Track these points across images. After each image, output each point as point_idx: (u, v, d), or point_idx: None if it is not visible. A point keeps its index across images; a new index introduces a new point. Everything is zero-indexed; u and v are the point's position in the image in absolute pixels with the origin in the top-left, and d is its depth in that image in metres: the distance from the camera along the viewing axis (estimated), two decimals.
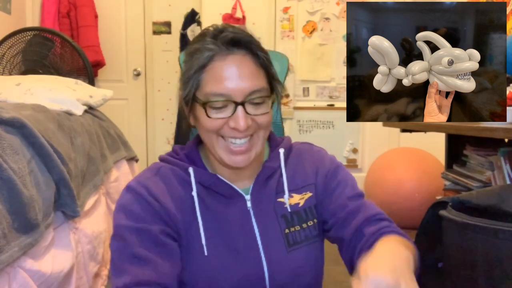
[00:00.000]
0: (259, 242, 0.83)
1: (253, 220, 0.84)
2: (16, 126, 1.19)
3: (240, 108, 0.77)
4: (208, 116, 0.78)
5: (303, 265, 0.84)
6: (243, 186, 0.87)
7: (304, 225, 0.86)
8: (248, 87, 0.77)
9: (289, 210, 0.85)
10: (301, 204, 0.87)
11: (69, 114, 1.69)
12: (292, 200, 0.87)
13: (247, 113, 0.78)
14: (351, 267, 0.82)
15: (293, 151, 0.93)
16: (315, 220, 0.87)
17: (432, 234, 1.55)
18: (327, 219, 0.87)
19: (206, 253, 0.80)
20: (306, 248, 0.85)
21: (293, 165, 0.90)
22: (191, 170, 0.84)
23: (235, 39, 0.79)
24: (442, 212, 1.40)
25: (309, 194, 0.88)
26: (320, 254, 0.89)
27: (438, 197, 1.88)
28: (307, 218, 0.87)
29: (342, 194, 0.86)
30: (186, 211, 0.82)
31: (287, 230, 0.84)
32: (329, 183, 0.88)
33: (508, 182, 1.81)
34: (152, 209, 0.79)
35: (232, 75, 0.77)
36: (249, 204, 0.85)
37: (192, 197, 0.82)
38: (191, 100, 0.81)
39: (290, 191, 0.87)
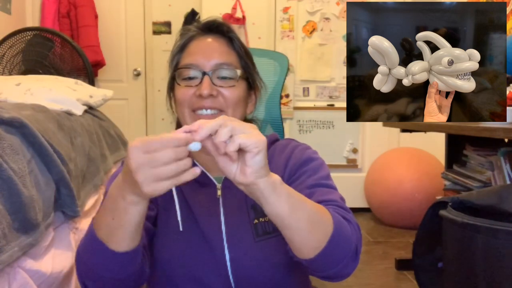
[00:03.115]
0: (223, 230, 0.85)
1: (221, 208, 0.87)
2: (16, 126, 1.19)
3: (206, 77, 0.85)
4: (178, 84, 0.88)
5: (270, 255, 0.85)
6: (219, 174, 0.90)
7: None
8: (215, 60, 0.87)
9: None
10: None
11: (69, 114, 1.69)
12: None
13: (213, 84, 0.85)
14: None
15: (273, 147, 0.95)
16: None
17: (432, 234, 1.55)
18: None
19: (181, 229, 0.84)
20: (275, 239, 0.85)
21: (268, 160, 0.91)
22: None
23: (209, 23, 0.92)
24: (442, 212, 1.40)
25: None
26: None
27: (438, 197, 1.88)
28: None
29: (302, 183, 0.85)
30: None
31: (256, 220, 0.86)
32: (294, 174, 0.88)
33: (508, 182, 1.81)
34: None
35: (203, 50, 0.88)
36: (219, 192, 0.88)
37: None
38: (171, 80, 0.91)
39: None
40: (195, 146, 0.62)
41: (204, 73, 0.85)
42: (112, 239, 0.69)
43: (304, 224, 0.68)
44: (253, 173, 0.63)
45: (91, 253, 0.73)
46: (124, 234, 0.69)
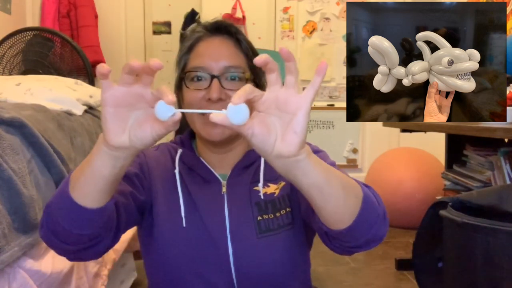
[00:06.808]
0: (227, 225, 0.86)
1: (225, 204, 0.88)
2: (16, 126, 1.19)
3: (215, 80, 0.85)
4: (187, 87, 0.87)
5: (272, 252, 0.85)
6: (224, 172, 0.91)
7: (278, 214, 0.87)
8: (224, 63, 0.86)
9: (262, 198, 0.87)
10: (276, 194, 0.89)
11: (69, 114, 1.69)
12: (268, 189, 0.89)
13: (222, 87, 0.85)
14: (327, 239, 0.76)
15: None
16: (288, 209, 0.89)
17: (432, 234, 1.55)
18: (300, 203, 0.87)
19: (184, 225, 0.86)
20: (278, 236, 0.86)
21: None
22: (179, 150, 0.93)
23: (218, 24, 0.91)
24: (442, 212, 1.40)
25: (283, 183, 0.90)
26: (295, 242, 0.88)
27: (438, 197, 1.88)
28: (281, 207, 0.88)
29: None
30: (168, 184, 0.90)
31: (259, 217, 0.87)
32: None
33: (508, 182, 1.81)
34: (139, 163, 0.91)
35: (212, 52, 0.88)
36: (224, 189, 0.89)
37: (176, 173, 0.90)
38: (178, 80, 0.91)
39: (267, 180, 0.89)
40: (166, 113, 0.58)
41: (213, 76, 0.85)
42: (74, 186, 0.67)
43: (340, 191, 0.66)
44: (298, 143, 0.57)
45: (54, 196, 0.72)
46: (86, 184, 0.66)
